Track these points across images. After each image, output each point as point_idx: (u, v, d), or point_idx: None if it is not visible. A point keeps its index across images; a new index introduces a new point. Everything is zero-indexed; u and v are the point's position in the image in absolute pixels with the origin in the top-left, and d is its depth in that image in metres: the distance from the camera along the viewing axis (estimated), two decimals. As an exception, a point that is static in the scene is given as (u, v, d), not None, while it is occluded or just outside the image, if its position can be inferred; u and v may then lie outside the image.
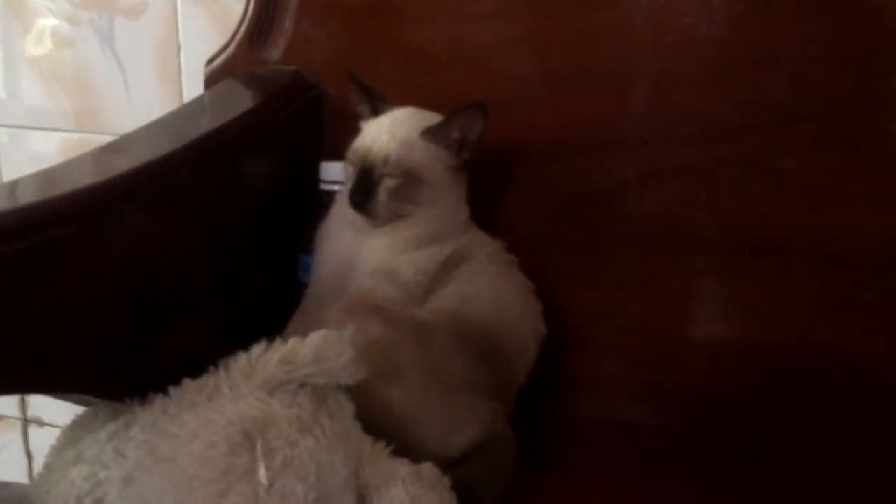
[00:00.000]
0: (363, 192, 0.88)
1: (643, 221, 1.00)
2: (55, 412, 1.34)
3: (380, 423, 0.75)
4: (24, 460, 1.41)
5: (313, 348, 0.66)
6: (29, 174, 0.73)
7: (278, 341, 0.67)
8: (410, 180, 0.88)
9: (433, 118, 0.91)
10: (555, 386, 0.99)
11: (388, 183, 0.88)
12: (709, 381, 0.99)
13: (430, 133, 0.89)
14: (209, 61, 1.09)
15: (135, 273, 0.74)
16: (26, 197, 0.67)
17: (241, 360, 0.67)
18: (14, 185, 0.72)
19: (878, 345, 0.94)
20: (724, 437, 0.94)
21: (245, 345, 0.87)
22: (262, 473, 0.61)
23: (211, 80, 1.08)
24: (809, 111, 0.93)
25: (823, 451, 0.92)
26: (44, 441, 1.39)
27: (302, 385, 0.67)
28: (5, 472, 1.40)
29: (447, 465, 0.75)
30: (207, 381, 0.68)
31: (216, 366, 0.77)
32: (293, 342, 0.67)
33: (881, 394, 0.94)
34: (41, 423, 1.37)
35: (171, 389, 0.69)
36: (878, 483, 0.87)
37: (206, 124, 0.90)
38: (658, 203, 0.99)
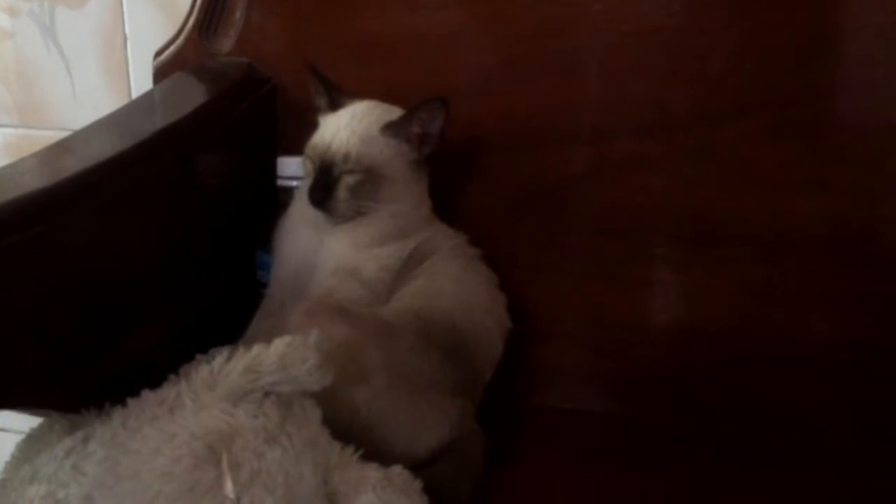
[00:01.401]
0: (323, 189, 0.86)
1: (602, 211, 1.00)
2: (9, 417, 1.29)
3: (347, 426, 0.74)
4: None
5: (278, 355, 0.64)
6: (-30, 180, 0.70)
7: (241, 349, 0.66)
8: (371, 177, 0.87)
9: (393, 112, 0.89)
10: (518, 377, 0.99)
11: (348, 180, 0.86)
12: (670, 368, 0.99)
13: (390, 128, 0.88)
14: (157, 53, 1.06)
15: (87, 278, 0.72)
16: (-31, 204, 0.64)
17: (202, 371, 0.65)
18: (-44, 191, 0.68)
19: (833, 329, 0.96)
20: (688, 423, 0.95)
21: (205, 347, 0.86)
22: (229, 488, 0.59)
23: (160, 74, 1.05)
24: (763, 100, 0.94)
25: (784, 434, 0.93)
26: (-2, 446, 1.36)
27: (267, 393, 0.65)
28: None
29: (417, 467, 0.74)
30: (168, 392, 0.65)
31: (175, 372, 0.76)
32: (257, 350, 0.65)
33: (837, 377, 0.96)
34: (-6, 428, 1.33)
35: (130, 401, 0.67)
36: (837, 464, 0.89)
37: (157, 122, 0.88)
38: (616, 192, 0.99)
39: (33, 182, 0.69)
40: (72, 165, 0.73)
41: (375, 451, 0.73)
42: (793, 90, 0.93)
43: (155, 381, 0.73)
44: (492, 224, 1.01)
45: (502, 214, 1.02)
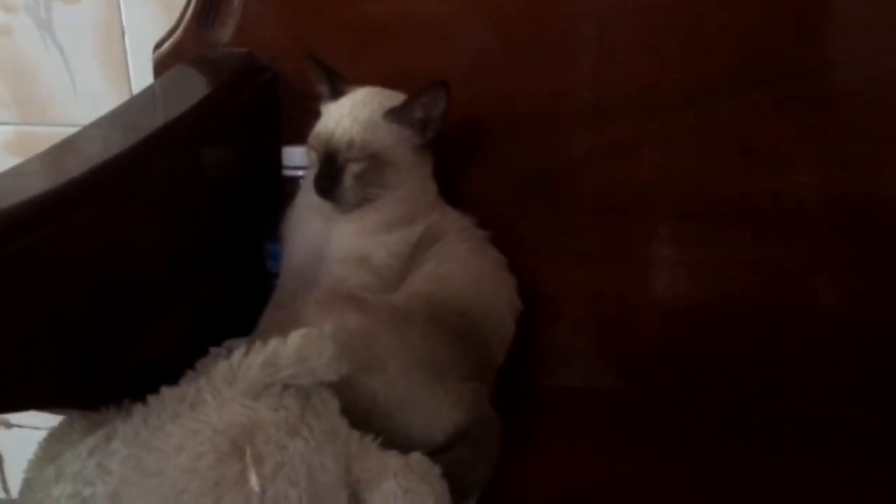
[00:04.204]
0: (328, 178, 0.86)
1: (606, 191, 1.00)
2: (22, 413, 1.30)
3: (365, 415, 0.74)
4: (-5, 463, 1.38)
5: (295, 348, 0.65)
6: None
7: (258, 344, 0.66)
8: (376, 164, 0.87)
9: (395, 98, 0.89)
10: (528, 358, 0.99)
11: (353, 168, 0.86)
12: (679, 346, 1.00)
13: (393, 114, 0.87)
14: (157, 46, 1.05)
15: (98, 277, 0.72)
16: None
17: (222, 367, 0.65)
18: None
19: (841, 304, 0.96)
20: (698, 400, 0.95)
21: (217, 339, 0.86)
22: (254, 481, 0.60)
23: (160, 66, 1.04)
24: (765, 76, 0.93)
25: (794, 409, 0.94)
26: (13, 442, 1.36)
27: (286, 386, 0.66)
28: (-25, 475, 1.37)
29: (434, 452, 0.75)
30: (188, 388, 0.66)
31: (190, 365, 0.77)
32: (274, 344, 0.65)
33: (844, 352, 0.96)
34: (8, 425, 1.33)
35: (150, 399, 0.68)
36: (848, 439, 0.89)
37: (160, 117, 0.87)
38: (620, 172, 0.99)
39: (40, 184, 0.69)
40: (78, 165, 0.72)
41: (393, 438, 0.73)
42: (795, 64, 0.93)
43: (171, 375, 0.73)
44: (497, 206, 1.01)
45: (507, 197, 1.02)
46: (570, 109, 0.98)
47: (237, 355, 0.66)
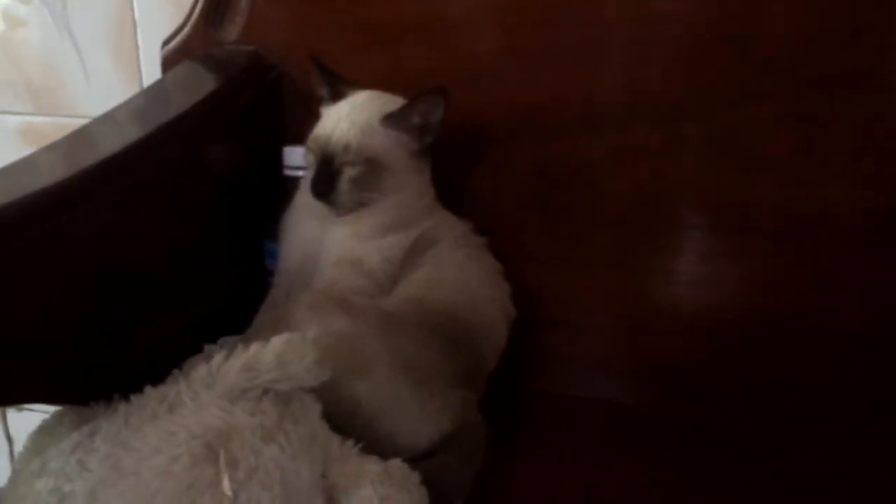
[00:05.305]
0: (325, 181, 0.87)
1: (613, 200, 0.99)
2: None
3: (349, 419, 0.75)
4: (6, 445, 1.41)
5: (275, 353, 0.65)
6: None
7: (240, 347, 0.66)
8: (372, 168, 0.87)
9: (394, 103, 0.89)
10: (527, 365, 0.99)
11: (349, 172, 0.87)
12: (681, 358, 0.99)
13: (390, 119, 0.87)
14: (165, 42, 1.06)
15: (101, 269, 0.74)
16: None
17: (201, 370, 0.66)
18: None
19: (854, 319, 0.95)
20: (697, 412, 0.95)
21: (214, 335, 0.87)
22: (226, 485, 0.60)
23: (168, 62, 1.06)
24: (778, 88, 0.92)
25: (798, 423, 0.93)
26: (24, 425, 1.39)
27: (265, 391, 0.66)
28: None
29: (419, 458, 0.75)
30: (169, 390, 0.67)
31: (180, 367, 0.77)
32: (254, 348, 0.66)
33: (859, 368, 0.95)
34: (20, 408, 1.37)
35: (133, 398, 0.68)
36: (856, 454, 0.89)
37: (168, 111, 0.87)
38: (628, 181, 0.98)
39: (49, 176, 0.70)
40: (89, 157, 0.74)
41: (377, 443, 0.74)
42: (808, 77, 0.92)
43: (167, 370, 0.74)
44: (498, 212, 1.01)
45: (513, 203, 1.02)
46: (573, 117, 0.98)
47: (217, 359, 0.66)
